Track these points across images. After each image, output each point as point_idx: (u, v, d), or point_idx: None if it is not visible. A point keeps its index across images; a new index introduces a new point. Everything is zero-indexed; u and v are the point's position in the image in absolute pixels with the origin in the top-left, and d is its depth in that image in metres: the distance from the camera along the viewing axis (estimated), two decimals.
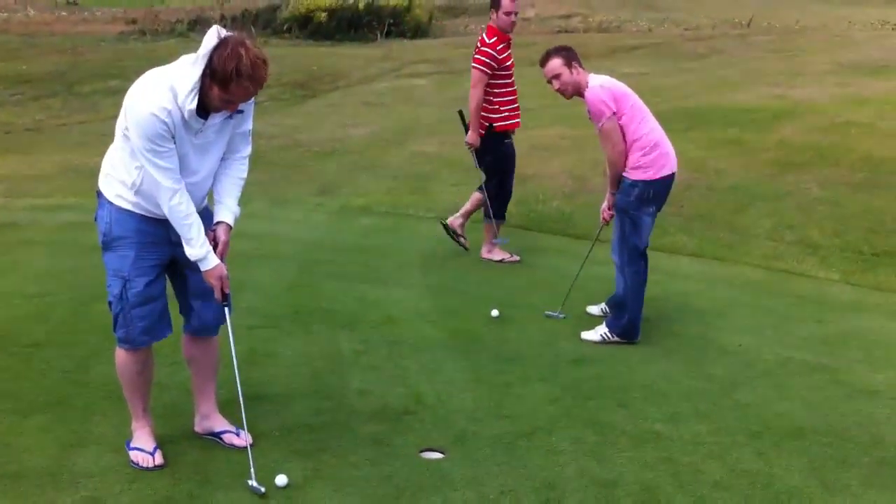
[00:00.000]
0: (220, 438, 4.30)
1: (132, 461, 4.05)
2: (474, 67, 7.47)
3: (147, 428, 4.17)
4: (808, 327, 6.35)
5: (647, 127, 5.74)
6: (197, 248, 3.83)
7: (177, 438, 4.32)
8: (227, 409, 4.44)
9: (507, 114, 7.64)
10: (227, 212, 4.01)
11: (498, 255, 7.90)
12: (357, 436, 4.45)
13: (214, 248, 3.92)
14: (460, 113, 7.89)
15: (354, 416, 4.67)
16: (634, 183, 5.73)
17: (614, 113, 5.63)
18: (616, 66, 15.81)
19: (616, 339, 5.85)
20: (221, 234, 3.98)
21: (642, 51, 20.34)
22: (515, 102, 7.73)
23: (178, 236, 3.87)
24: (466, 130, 7.66)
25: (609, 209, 6.04)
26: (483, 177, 7.82)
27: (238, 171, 4.06)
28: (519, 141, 12.20)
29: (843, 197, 9.33)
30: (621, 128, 5.67)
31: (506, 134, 7.72)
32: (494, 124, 7.60)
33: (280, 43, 24.01)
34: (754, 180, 10.03)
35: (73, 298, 6.39)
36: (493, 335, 5.98)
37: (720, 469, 4.21)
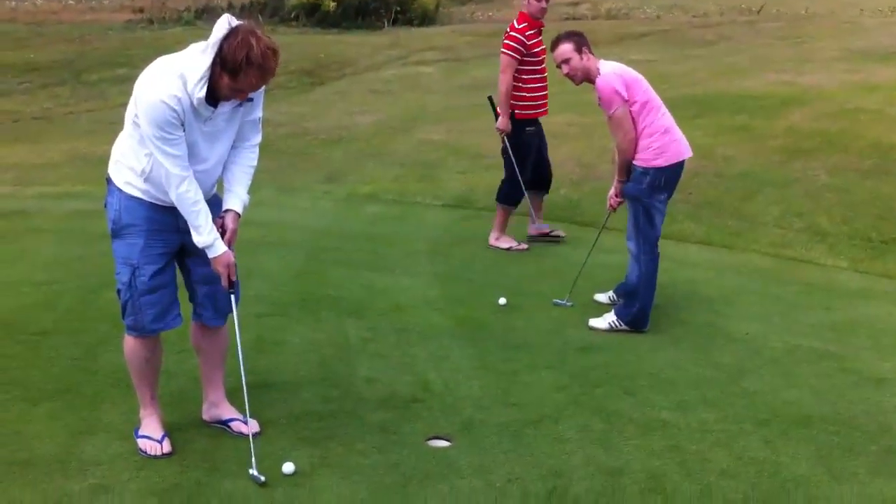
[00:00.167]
0: (228, 426, 4.31)
1: (140, 449, 4.07)
2: (503, 52, 7.50)
3: (155, 416, 4.19)
4: (817, 315, 6.34)
5: (657, 113, 5.72)
6: (205, 234, 3.83)
7: (185, 426, 4.33)
8: (235, 397, 4.45)
9: (530, 102, 7.61)
10: (236, 200, 4.01)
11: (505, 242, 7.90)
12: (364, 423, 4.45)
13: (222, 236, 3.92)
14: (490, 99, 7.87)
15: (362, 404, 4.67)
16: (646, 170, 5.71)
17: (625, 101, 5.62)
18: (624, 53, 15.75)
19: (624, 327, 5.84)
20: (230, 222, 3.98)
21: (650, 38, 20.26)
22: (542, 91, 7.67)
23: (186, 224, 3.88)
24: (497, 117, 7.63)
25: (616, 196, 6.03)
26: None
27: (248, 160, 4.06)
28: None
29: (851, 184, 9.30)
30: (632, 115, 5.66)
31: (528, 122, 7.67)
32: (515, 111, 7.58)
33: (287, 31, 23.98)
34: (762, 167, 10.00)
35: (81, 286, 6.41)
36: (500, 323, 5.98)
37: (727, 457, 4.21)
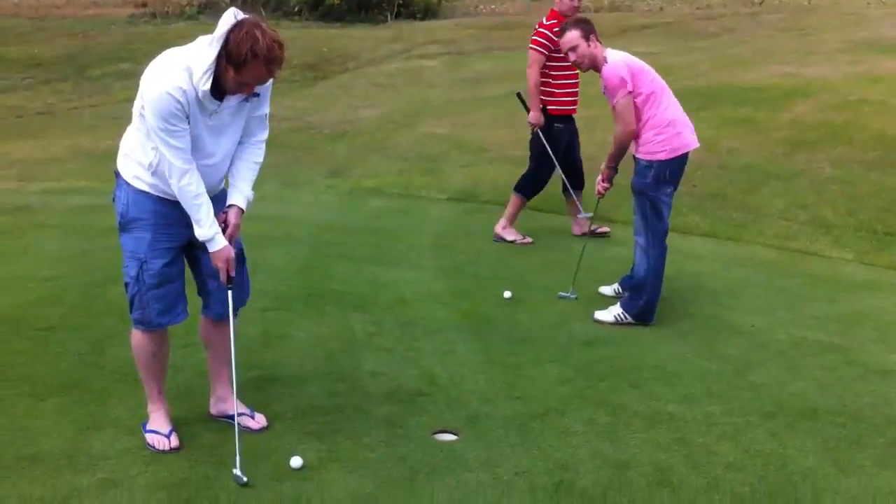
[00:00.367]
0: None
1: (148, 444, 4.07)
2: (530, 48, 7.55)
3: (162, 410, 4.19)
4: (822, 307, 6.34)
5: (662, 105, 5.70)
6: (205, 228, 3.84)
7: (192, 421, 4.34)
8: (240, 391, 4.45)
9: (560, 98, 7.63)
10: (239, 195, 4.01)
11: (511, 234, 7.89)
12: (370, 417, 4.46)
13: (224, 231, 3.92)
14: (519, 95, 7.85)
15: (368, 398, 4.68)
16: (650, 164, 5.71)
17: (630, 92, 5.61)
18: (627, 46, 15.62)
19: (630, 320, 5.84)
20: (232, 217, 3.98)
21: (653, 30, 20.23)
22: (572, 88, 7.66)
23: None
24: (528, 111, 7.65)
25: (603, 181, 6.03)
26: (558, 169, 7.83)
27: (254, 156, 4.06)
28: None
29: (856, 176, 9.30)
30: (636, 106, 5.65)
31: (558, 118, 7.68)
32: (548, 107, 7.61)
33: (290, 25, 23.98)
34: (767, 159, 10.00)
35: (87, 281, 6.41)
36: (505, 317, 5.98)
37: (734, 450, 4.21)
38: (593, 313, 5.94)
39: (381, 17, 25.40)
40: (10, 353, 5.09)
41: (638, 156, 5.77)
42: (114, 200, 3.98)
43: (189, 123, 3.69)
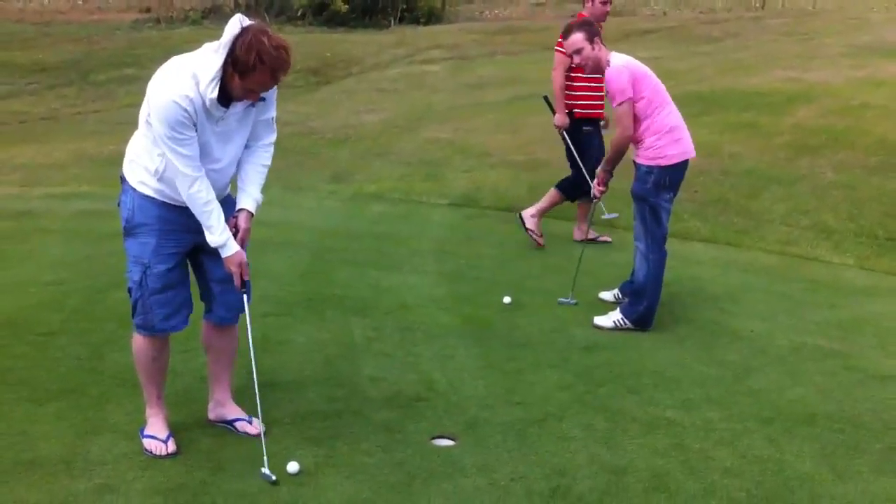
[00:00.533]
0: (233, 426, 4.32)
1: (145, 449, 4.08)
2: (556, 50, 7.55)
3: (161, 416, 4.20)
4: (822, 313, 6.34)
5: (663, 111, 5.71)
6: (217, 234, 3.85)
7: (190, 426, 4.34)
8: (241, 397, 4.48)
9: (585, 101, 7.63)
10: (249, 199, 4.03)
11: (532, 224, 7.83)
12: (369, 423, 4.46)
13: (235, 235, 3.94)
14: (546, 98, 7.85)
15: (367, 403, 4.68)
16: (650, 169, 5.71)
17: (631, 97, 5.62)
18: (631, 50, 15.61)
19: (630, 325, 5.84)
20: (242, 221, 4.00)
21: (657, 34, 20.24)
22: (598, 91, 7.57)
23: (198, 224, 3.90)
24: (553, 114, 7.67)
25: (599, 185, 6.05)
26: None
27: (262, 159, 4.07)
28: (531, 126, 12.25)
29: (857, 181, 9.29)
30: (637, 111, 5.66)
31: (585, 121, 7.69)
32: (574, 111, 7.62)
33: (294, 30, 23.99)
34: (769, 164, 10.00)
35: (88, 286, 6.43)
36: (505, 322, 5.99)
37: (731, 455, 4.21)
38: (593, 319, 5.94)
39: (384, 21, 25.41)
40: (10, 358, 5.10)
41: (638, 161, 5.78)
42: (119, 205, 4.00)
43: (196, 131, 3.71)
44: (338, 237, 8.24)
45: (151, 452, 4.06)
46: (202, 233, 3.91)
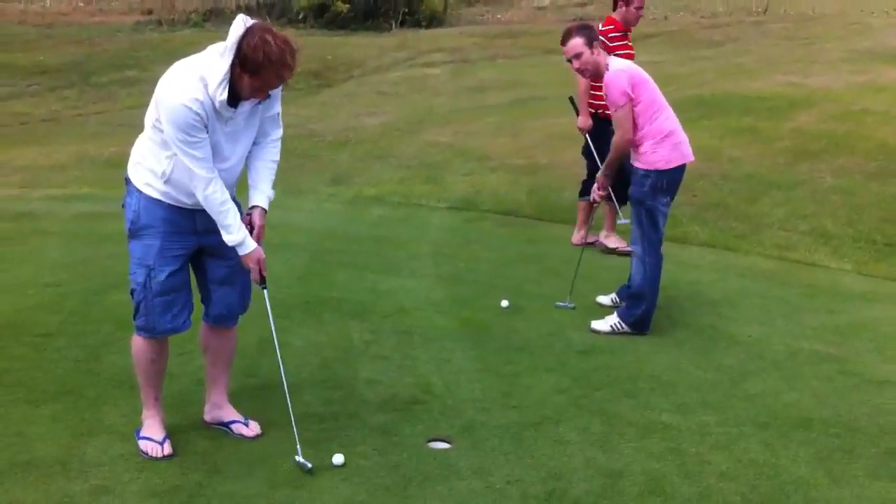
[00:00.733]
0: (230, 428, 4.33)
1: (141, 450, 4.09)
2: None
3: (157, 418, 4.20)
4: (820, 317, 6.34)
5: (662, 116, 5.72)
6: (235, 233, 3.87)
7: (186, 428, 4.35)
8: (237, 399, 4.49)
9: None
10: (261, 196, 4.07)
11: (613, 242, 7.85)
12: (366, 425, 4.47)
13: (250, 233, 3.97)
14: (571, 99, 7.84)
15: (363, 406, 4.69)
16: (647, 173, 5.72)
17: (631, 100, 5.63)
18: None
19: (627, 329, 5.84)
20: (257, 218, 4.03)
21: (658, 38, 20.24)
22: None
23: (204, 226, 3.94)
24: (577, 115, 7.67)
25: (600, 189, 6.06)
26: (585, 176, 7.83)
27: (271, 155, 4.11)
28: (532, 130, 12.27)
29: (857, 186, 9.29)
30: (635, 115, 5.67)
31: (610, 121, 7.64)
32: (598, 111, 7.60)
33: (295, 33, 23.97)
34: (768, 169, 10.00)
35: (87, 288, 6.43)
36: (502, 325, 5.99)
37: (727, 459, 4.21)
38: (590, 323, 5.95)
39: (386, 24, 25.41)
40: (7, 359, 5.12)
41: (636, 165, 5.78)
42: (123, 207, 4.01)
43: (208, 133, 3.72)
44: (337, 240, 8.25)
45: (147, 454, 4.07)
46: (206, 235, 3.96)
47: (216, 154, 3.82)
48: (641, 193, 5.76)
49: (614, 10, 7.72)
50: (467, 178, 10.62)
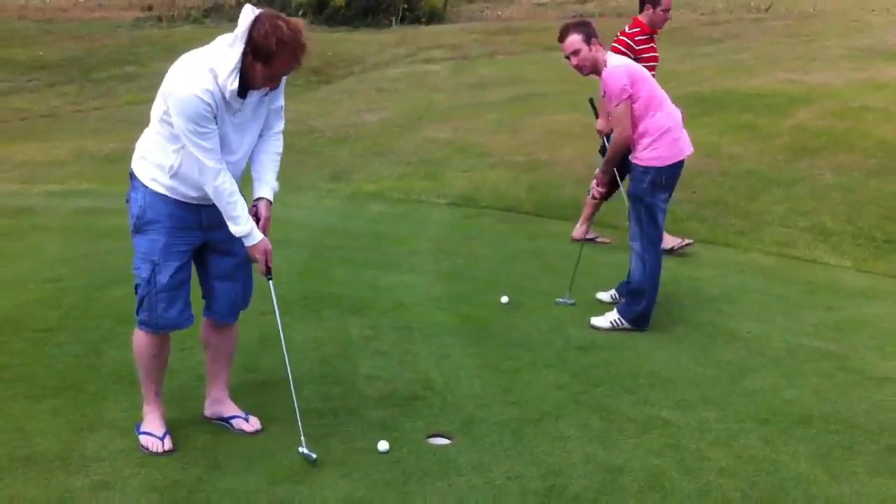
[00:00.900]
0: (230, 423, 4.33)
1: (142, 445, 4.09)
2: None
3: (158, 413, 4.20)
4: (819, 314, 6.34)
5: (660, 112, 5.72)
6: (242, 224, 3.88)
7: (186, 423, 4.35)
8: (237, 394, 4.49)
9: None
10: (266, 188, 4.08)
11: (668, 242, 7.69)
12: (365, 421, 4.47)
13: (256, 224, 3.98)
14: (591, 101, 7.82)
15: (363, 402, 4.69)
16: (646, 169, 5.72)
17: (629, 97, 5.62)
18: None
19: (626, 325, 5.85)
20: (262, 209, 4.04)
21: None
22: None
23: (209, 221, 3.95)
24: (597, 117, 7.62)
25: (598, 185, 6.05)
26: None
27: (274, 147, 4.13)
28: (532, 127, 12.27)
29: (856, 183, 9.30)
30: (634, 112, 5.67)
31: None
32: None
33: None
34: (768, 166, 10.00)
35: (86, 283, 6.43)
36: (502, 321, 5.99)
37: (726, 456, 4.22)
38: (590, 319, 5.95)
39: (386, 21, 25.43)
40: (7, 354, 5.11)
41: (635, 161, 5.78)
42: (128, 202, 4.01)
43: (217, 124, 3.73)
44: (336, 236, 8.25)
45: (148, 449, 4.07)
46: (211, 230, 3.98)
47: (224, 146, 3.83)
48: (640, 190, 5.76)
49: (640, 12, 7.63)
50: (467, 174, 10.62)
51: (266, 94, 3.89)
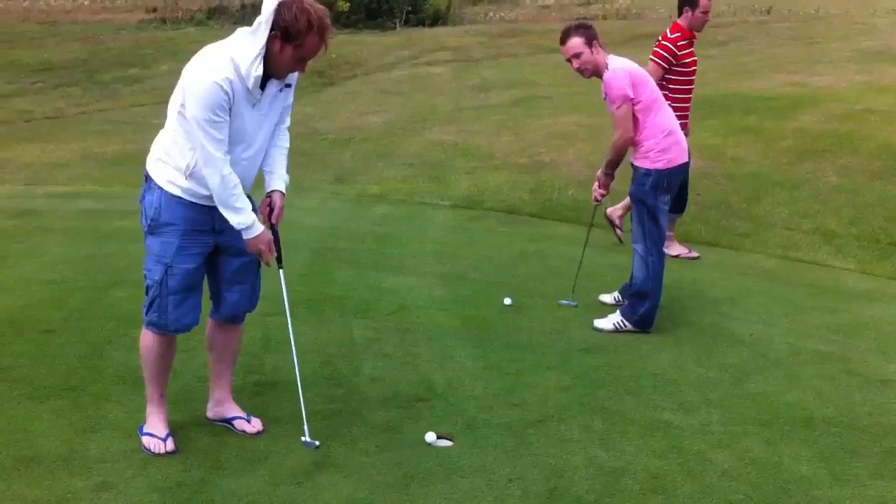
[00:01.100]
0: (232, 425, 4.34)
1: (144, 447, 4.10)
2: (651, 59, 7.31)
3: (161, 414, 4.21)
4: (822, 317, 6.33)
5: (662, 115, 5.73)
6: (244, 215, 3.89)
7: (188, 424, 4.36)
8: (240, 396, 4.50)
9: (676, 113, 7.40)
10: (279, 180, 4.12)
11: (675, 249, 7.68)
12: (368, 423, 4.47)
13: (271, 213, 4.04)
14: None
15: (365, 404, 4.69)
16: (648, 172, 5.72)
17: (631, 99, 5.62)
18: (635, 54, 15.68)
19: (630, 327, 5.85)
20: (277, 199, 4.08)
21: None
22: (686, 103, 7.36)
23: (221, 224, 3.95)
24: None
25: (600, 188, 6.05)
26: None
27: (283, 141, 4.17)
28: (535, 129, 12.27)
29: (860, 185, 9.29)
30: (636, 114, 5.67)
31: None
32: None
33: None
34: (772, 168, 10.00)
35: (90, 285, 6.44)
36: (505, 323, 5.99)
37: (728, 458, 4.22)
38: (593, 321, 5.95)
39: (390, 23, 25.44)
40: (11, 355, 5.12)
41: (636, 164, 5.78)
42: (142, 202, 4.01)
43: (231, 116, 3.75)
44: (340, 238, 8.25)
45: (150, 450, 4.08)
46: (222, 234, 3.99)
47: (242, 140, 3.85)
48: (643, 193, 5.76)
49: (679, 15, 7.49)
50: (470, 176, 10.62)
51: (281, 90, 3.92)
